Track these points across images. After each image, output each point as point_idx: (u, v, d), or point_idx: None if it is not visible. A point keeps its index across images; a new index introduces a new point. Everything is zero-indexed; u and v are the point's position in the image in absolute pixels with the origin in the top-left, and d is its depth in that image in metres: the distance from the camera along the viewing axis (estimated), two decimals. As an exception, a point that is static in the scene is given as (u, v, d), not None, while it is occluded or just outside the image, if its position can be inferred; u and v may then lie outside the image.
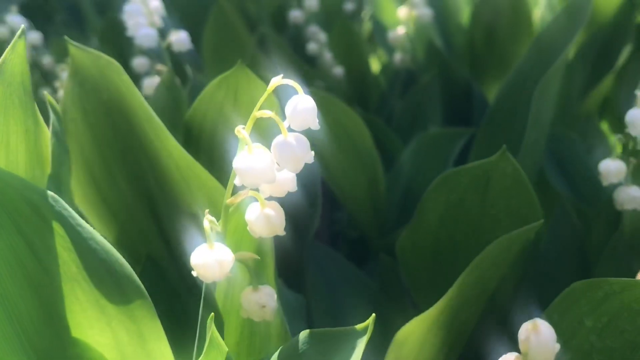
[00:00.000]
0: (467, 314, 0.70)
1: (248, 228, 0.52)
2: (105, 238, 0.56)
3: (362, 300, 0.89)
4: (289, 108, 0.49)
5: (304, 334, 0.51)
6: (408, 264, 0.83)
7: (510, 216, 0.74)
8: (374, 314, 0.48)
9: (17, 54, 0.53)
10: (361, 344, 0.46)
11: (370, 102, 1.46)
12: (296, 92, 0.49)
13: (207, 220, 0.51)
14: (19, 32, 0.52)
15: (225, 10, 1.26)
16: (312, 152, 0.50)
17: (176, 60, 1.17)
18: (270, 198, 0.53)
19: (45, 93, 0.62)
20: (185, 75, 1.13)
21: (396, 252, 0.83)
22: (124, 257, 0.56)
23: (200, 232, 0.56)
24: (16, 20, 1.26)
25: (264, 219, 0.52)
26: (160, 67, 1.00)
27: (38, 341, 0.54)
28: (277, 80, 0.49)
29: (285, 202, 0.64)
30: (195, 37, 1.19)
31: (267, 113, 0.49)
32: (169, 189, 0.69)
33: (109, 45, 1.34)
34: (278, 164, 0.49)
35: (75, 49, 0.68)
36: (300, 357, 0.50)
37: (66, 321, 0.55)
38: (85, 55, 0.69)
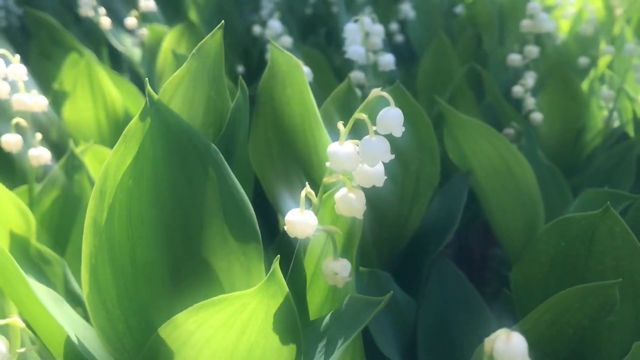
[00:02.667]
0: (541, 352, 0.73)
1: (335, 205, 0.65)
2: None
3: (471, 321, 0.93)
4: (379, 115, 0.60)
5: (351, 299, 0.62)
6: (520, 296, 0.86)
7: (617, 277, 0.74)
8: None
9: (214, 40, 0.73)
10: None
11: (574, 156, 1.45)
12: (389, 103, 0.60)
13: (305, 191, 0.65)
14: (219, 25, 0.72)
15: (444, 43, 1.38)
16: (392, 155, 0.60)
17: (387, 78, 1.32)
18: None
19: (240, 79, 0.82)
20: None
21: (510, 283, 0.87)
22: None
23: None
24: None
25: (347, 200, 0.64)
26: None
27: (178, 249, 0.73)
28: (376, 92, 0.61)
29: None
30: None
31: (362, 116, 0.61)
32: (309, 170, 0.84)
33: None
34: (362, 157, 0.61)
35: (274, 48, 0.87)
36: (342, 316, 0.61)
37: (199, 242, 0.73)
38: (281, 55, 0.87)
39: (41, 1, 3.25)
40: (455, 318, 0.94)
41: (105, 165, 0.66)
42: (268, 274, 0.59)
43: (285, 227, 0.65)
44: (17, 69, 0.98)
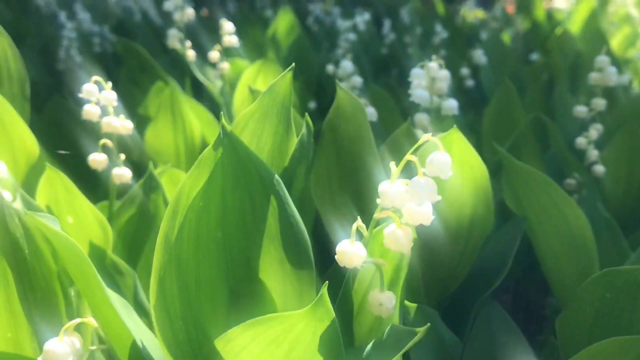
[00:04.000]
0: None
1: (384, 239, 0.69)
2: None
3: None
4: (429, 158, 0.65)
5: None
6: (564, 344, 0.88)
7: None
8: None
9: (285, 80, 0.80)
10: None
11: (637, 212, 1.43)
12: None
13: (356, 224, 0.70)
14: (290, 67, 0.79)
15: (509, 89, 1.41)
16: (439, 197, 0.65)
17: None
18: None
19: (307, 117, 0.88)
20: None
21: (556, 330, 0.88)
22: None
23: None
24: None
25: (394, 236, 0.68)
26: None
27: (238, 269, 0.79)
28: (427, 137, 0.65)
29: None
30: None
31: (413, 158, 0.66)
32: (364, 205, 0.89)
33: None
34: (409, 196, 0.65)
35: (340, 89, 0.93)
36: (383, 343, 0.65)
37: (258, 264, 0.79)
38: (346, 96, 0.94)
39: (133, 30, 3.48)
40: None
41: (180, 187, 0.73)
42: (316, 298, 0.65)
43: (336, 257, 0.70)
44: (109, 95, 1.08)
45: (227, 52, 1.96)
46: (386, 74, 2.47)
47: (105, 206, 1.18)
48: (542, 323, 1.29)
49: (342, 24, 2.82)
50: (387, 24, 3.28)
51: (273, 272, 0.79)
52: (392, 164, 0.67)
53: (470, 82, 2.12)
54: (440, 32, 2.81)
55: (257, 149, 0.82)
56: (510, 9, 6.73)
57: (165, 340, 0.74)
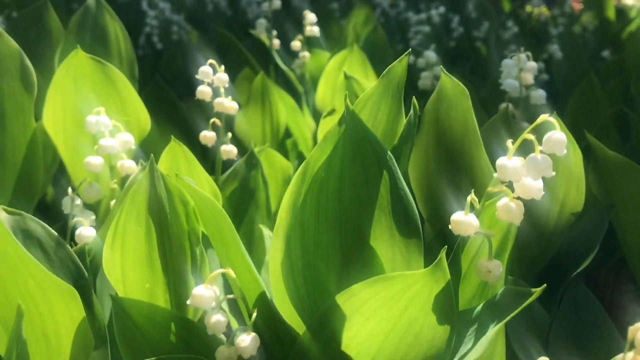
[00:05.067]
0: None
1: (496, 211, 0.76)
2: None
3: (602, 343, 0.99)
4: (546, 136, 0.71)
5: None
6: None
7: None
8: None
9: (401, 64, 0.87)
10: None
11: None
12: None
13: (470, 197, 0.77)
14: (407, 52, 0.86)
15: (593, 83, 1.45)
16: (554, 173, 0.71)
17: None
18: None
19: (414, 100, 0.95)
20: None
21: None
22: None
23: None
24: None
25: (507, 208, 0.74)
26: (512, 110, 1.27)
27: (352, 236, 0.86)
28: (544, 117, 0.71)
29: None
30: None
31: (530, 136, 0.72)
32: (464, 183, 0.95)
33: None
34: (526, 171, 0.71)
35: (444, 74, 1.00)
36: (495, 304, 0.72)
37: (369, 232, 0.86)
38: (450, 80, 1.00)
39: (206, 20, 3.61)
40: (587, 338, 1.01)
41: (308, 158, 0.81)
42: (435, 261, 0.71)
43: (450, 225, 0.77)
44: (222, 77, 1.17)
45: (308, 42, 2.04)
46: (459, 66, 2.51)
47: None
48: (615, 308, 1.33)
49: (413, 16, 2.87)
50: (454, 18, 3.31)
51: (383, 240, 0.86)
52: (509, 142, 0.73)
53: (544, 76, 2.14)
54: (511, 27, 2.82)
55: (373, 127, 0.89)
56: (576, 5, 6.62)
57: (289, 294, 0.82)
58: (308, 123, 1.83)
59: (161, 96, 1.57)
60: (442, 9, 2.74)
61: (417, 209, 1.05)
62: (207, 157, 1.47)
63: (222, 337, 0.80)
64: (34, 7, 1.55)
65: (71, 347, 0.80)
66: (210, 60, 1.17)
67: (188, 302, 0.75)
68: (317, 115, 1.84)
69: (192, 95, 1.96)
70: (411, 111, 0.94)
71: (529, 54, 1.35)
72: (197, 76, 1.16)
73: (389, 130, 0.91)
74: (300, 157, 1.76)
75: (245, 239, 1.25)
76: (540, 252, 1.08)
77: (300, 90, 2.02)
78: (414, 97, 0.96)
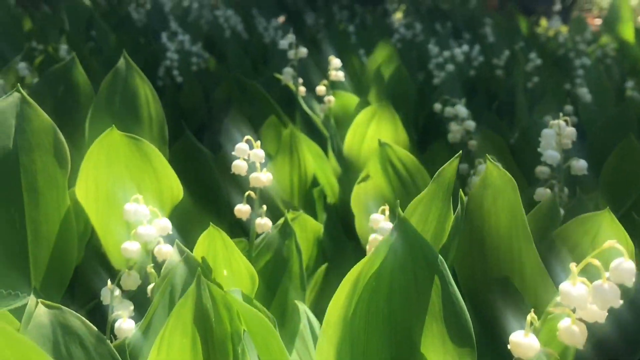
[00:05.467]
0: None
1: (557, 332, 0.73)
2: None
3: None
4: (613, 265, 0.68)
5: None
6: None
7: None
8: None
9: (451, 166, 0.84)
10: None
11: None
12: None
13: (530, 316, 0.74)
14: (457, 154, 0.84)
15: (633, 145, 1.41)
16: (621, 301, 0.68)
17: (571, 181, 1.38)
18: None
19: (461, 193, 0.93)
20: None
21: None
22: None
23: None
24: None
25: (570, 331, 0.72)
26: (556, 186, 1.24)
27: (402, 343, 0.84)
28: (611, 243, 0.69)
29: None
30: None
31: (596, 262, 0.69)
32: (522, 285, 0.93)
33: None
34: (592, 299, 0.69)
35: (490, 163, 0.97)
36: None
37: (420, 339, 0.84)
38: (495, 169, 0.97)
39: (224, 46, 3.59)
40: None
41: (359, 268, 0.79)
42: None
43: (509, 346, 0.74)
44: (258, 152, 1.16)
45: (333, 86, 2.02)
46: (477, 95, 2.48)
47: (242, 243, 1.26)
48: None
49: (434, 48, 2.84)
50: (472, 44, 3.28)
51: (434, 348, 0.84)
52: (573, 265, 0.70)
53: (574, 119, 2.11)
54: (533, 59, 2.79)
55: (424, 230, 0.87)
56: (591, 20, 6.56)
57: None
58: (334, 167, 1.82)
59: (191, 154, 1.55)
60: (465, 47, 2.71)
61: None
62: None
63: None
64: (62, 65, 1.54)
65: None
66: (247, 137, 1.15)
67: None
68: (341, 160, 1.82)
69: (214, 126, 1.95)
70: (458, 208, 0.92)
71: (567, 119, 1.32)
72: (233, 153, 1.14)
73: (439, 230, 0.89)
74: (328, 208, 1.74)
75: (278, 311, 1.23)
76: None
77: (325, 134, 2.00)
78: (460, 190, 0.94)
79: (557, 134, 1.30)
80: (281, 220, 1.23)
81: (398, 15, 5.37)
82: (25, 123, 1.17)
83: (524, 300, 0.92)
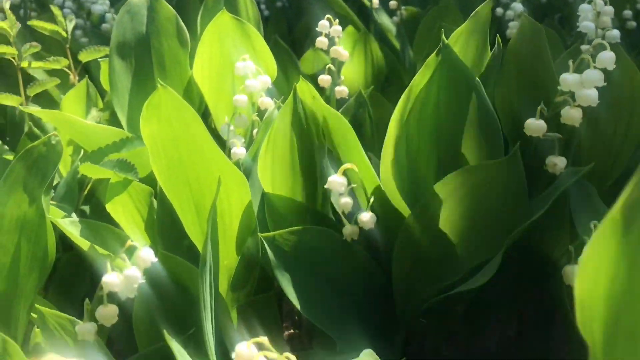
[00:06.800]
0: None
1: (561, 118, 0.98)
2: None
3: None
4: (598, 55, 0.92)
5: None
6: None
7: None
8: None
9: (486, 6, 1.09)
10: None
11: None
12: None
13: (540, 107, 0.99)
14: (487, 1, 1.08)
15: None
16: (605, 83, 0.92)
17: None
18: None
19: (498, 37, 1.16)
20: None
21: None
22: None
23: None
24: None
25: (569, 113, 0.96)
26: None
27: (445, 145, 1.10)
28: (597, 41, 0.92)
29: None
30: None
31: (586, 56, 0.93)
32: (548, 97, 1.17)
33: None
34: (583, 82, 0.93)
35: (524, 17, 1.20)
36: None
37: (460, 142, 1.10)
38: (529, 22, 1.21)
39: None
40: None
41: (412, 81, 1.05)
42: (509, 154, 0.95)
43: (524, 128, 0.99)
44: (337, 28, 1.43)
45: (403, 1, 2.25)
46: (548, 18, 2.63)
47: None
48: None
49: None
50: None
51: (472, 150, 1.09)
52: (570, 62, 0.95)
53: (632, 24, 2.24)
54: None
55: (464, 58, 1.12)
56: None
57: (398, 186, 1.08)
58: (406, 72, 2.06)
59: (280, 51, 1.85)
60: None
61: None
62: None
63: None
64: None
65: (238, 226, 1.09)
66: (327, 15, 1.43)
67: (326, 186, 1.03)
68: (412, 66, 2.07)
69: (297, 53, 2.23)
70: (495, 45, 1.16)
71: (606, -1, 1.51)
72: (317, 28, 1.42)
73: (476, 60, 1.14)
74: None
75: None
76: (609, 168, 1.27)
77: (396, 45, 2.25)
78: (497, 35, 1.18)
79: (596, 12, 1.49)
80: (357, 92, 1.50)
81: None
82: (154, 13, 1.49)
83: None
